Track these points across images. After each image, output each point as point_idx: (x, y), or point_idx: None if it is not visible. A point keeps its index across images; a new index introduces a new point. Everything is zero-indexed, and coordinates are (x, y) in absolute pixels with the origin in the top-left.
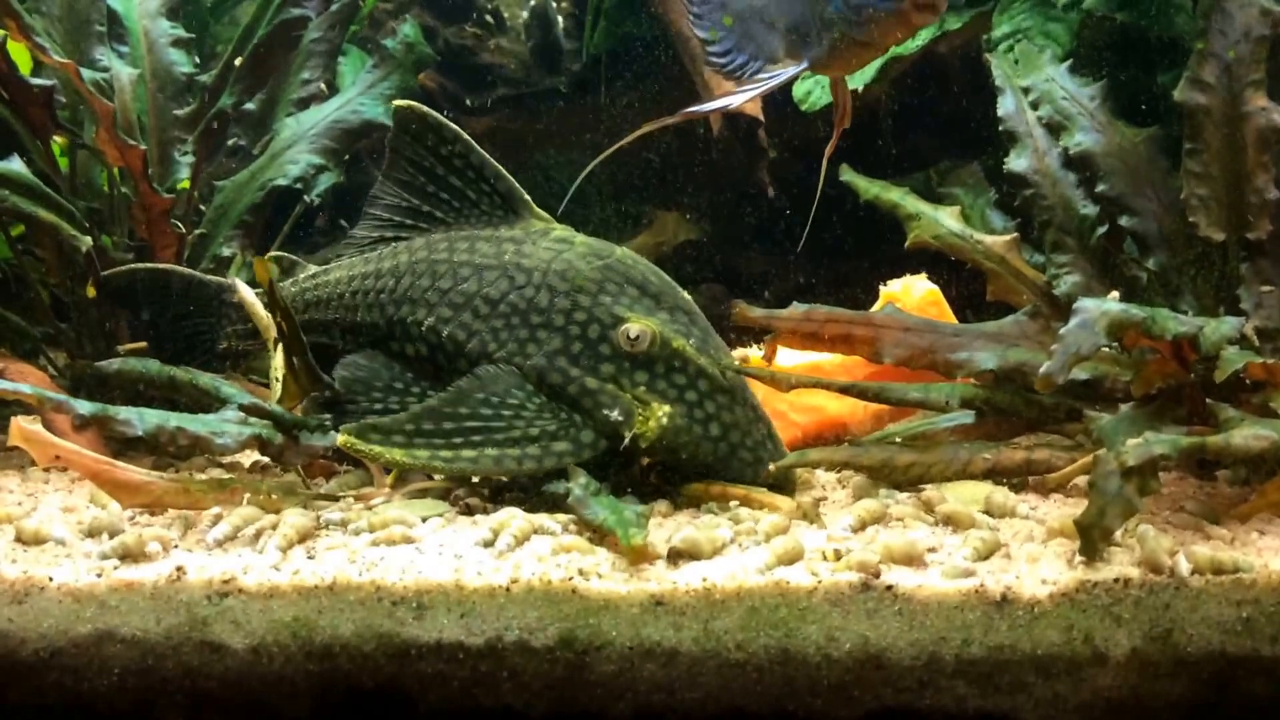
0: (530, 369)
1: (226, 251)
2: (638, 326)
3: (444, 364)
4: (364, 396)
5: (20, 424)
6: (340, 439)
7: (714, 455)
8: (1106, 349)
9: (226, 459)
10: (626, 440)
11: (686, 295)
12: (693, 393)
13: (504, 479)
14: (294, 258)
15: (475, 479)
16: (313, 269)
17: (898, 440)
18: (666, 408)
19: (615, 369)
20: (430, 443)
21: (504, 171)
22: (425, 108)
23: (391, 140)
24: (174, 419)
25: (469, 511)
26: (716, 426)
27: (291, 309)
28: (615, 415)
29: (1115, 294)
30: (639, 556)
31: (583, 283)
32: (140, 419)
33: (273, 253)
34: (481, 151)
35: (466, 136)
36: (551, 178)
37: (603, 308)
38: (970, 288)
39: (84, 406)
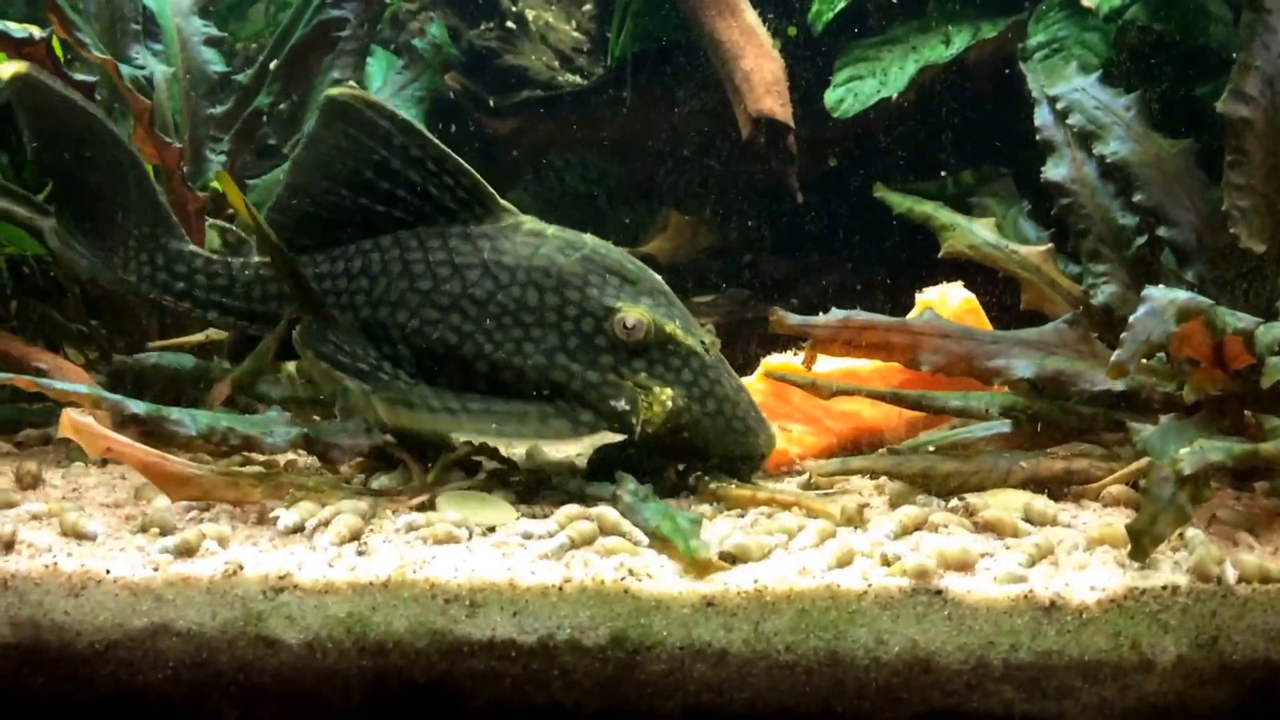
0: (531, 368)
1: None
2: (633, 316)
3: (433, 367)
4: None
5: (71, 416)
6: (352, 403)
7: (712, 431)
8: (1144, 359)
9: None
10: (638, 428)
11: (658, 277)
12: (688, 373)
13: (507, 448)
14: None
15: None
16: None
17: (932, 449)
18: (669, 390)
19: (614, 359)
20: (451, 412)
21: (466, 165)
22: (373, 97)
23: (321, 135)
24: (224, 419)
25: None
26: (712, 403)
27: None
28: (622, 405)
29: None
30: (703, 569)
31: (567, 277)
32: (193, 420)
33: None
34: (440, 144)
35: (421, 128)
36: (564, 179)
37: (592, 300)
38: (997, 296)
39: (137, 406)
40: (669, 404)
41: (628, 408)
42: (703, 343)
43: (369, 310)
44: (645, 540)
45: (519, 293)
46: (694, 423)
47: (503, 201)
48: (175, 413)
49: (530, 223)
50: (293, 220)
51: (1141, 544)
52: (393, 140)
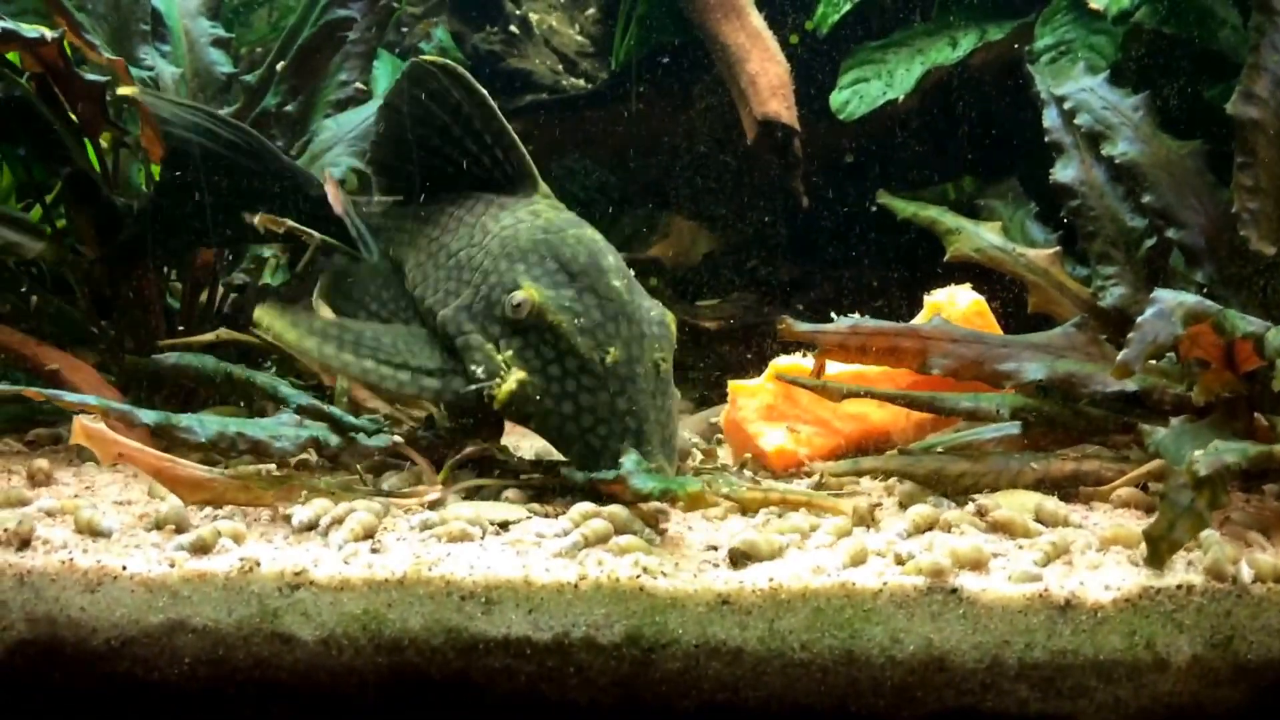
0: (442, 319)
1: (267, 252)
2: (521, 295)
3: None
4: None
5: (84, 423)
6: (256, 313)
7: (560, 431)
8: (1154, 361)
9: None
10: (486, 398)
11: (618, 284)
12: (555, 367)
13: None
14: None
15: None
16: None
17: (940, 450)
18: (522, 374)
19: (501, 331)
20: (334, 342)
21: (518, 142)
22: (449, 62)
23: (399, 97)
24: (233, 425)
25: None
26: (570, 405)
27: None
28: (479, 372)
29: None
30: (695, 502)
31: (513, 249)
32: (201, 426)
33: None
34: (503, 121)
35: (489, 100)
36: (567, 183)
37: (512, 274)
38: (1014, 294)
39: (147, 416)
40: (514, 386)
41: (482, 376)
42: (605, 351)
43: (395, 250)
44: (659, 539)
45: (475, 253)
46: (540, 415)
47: (541, 183)
48: (184, 420)
49: (543, 203)
50: (378, 169)
51: (1159, 550)
52: (460, 110)
